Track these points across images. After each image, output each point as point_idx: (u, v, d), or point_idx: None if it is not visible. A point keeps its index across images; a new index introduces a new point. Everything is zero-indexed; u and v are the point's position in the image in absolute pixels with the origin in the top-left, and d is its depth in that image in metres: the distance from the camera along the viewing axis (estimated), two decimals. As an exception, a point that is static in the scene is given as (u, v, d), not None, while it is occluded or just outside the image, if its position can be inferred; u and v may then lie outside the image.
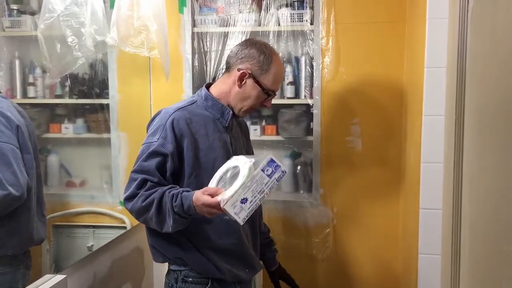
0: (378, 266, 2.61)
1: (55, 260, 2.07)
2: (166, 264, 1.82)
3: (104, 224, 2.40)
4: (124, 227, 2.44)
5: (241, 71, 1.72)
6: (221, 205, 1.46)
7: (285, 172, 1.53)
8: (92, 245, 2.26)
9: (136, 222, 2.44)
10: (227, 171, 1.57)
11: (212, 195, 1.49)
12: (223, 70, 1.88)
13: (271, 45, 1.83)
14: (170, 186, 1.63)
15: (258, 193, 1.49)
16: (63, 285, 1.66)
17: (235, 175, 1.54)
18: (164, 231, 1.63)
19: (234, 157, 1.58)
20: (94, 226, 2.33)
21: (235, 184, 1.49)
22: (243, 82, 1.73)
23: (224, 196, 1.47)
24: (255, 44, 1.77)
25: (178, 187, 1.64)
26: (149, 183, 1.62)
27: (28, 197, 1.62)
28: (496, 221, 1.35)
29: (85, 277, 2.06)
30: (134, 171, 1.65)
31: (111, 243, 2.28)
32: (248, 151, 1.96)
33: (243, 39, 2.54)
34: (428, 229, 2.02)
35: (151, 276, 2.70)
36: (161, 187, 1.62)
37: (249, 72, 1.72)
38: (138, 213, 1.64)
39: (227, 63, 1.80)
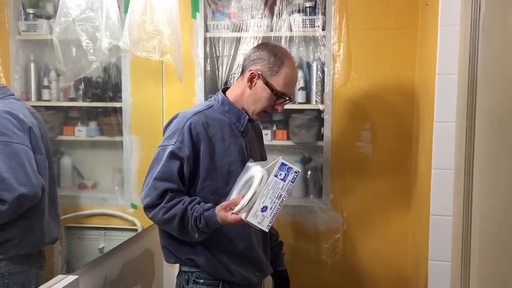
0: (388, 272, 2.60)
1: (66, 261, 2.09)
2: (177, 266, 1.83)
3: (115, 226, 2.42)
4: (135, 229, 2.46)
5: (251, 72, 1.73)
6: (244, 219, 1.52)
7: (298, 171, 1.56)
8: (103, 247, 2.28)
9: (147, 224, 2.47)
10: (246, 182, 1.60)
11: (230, 207, 1.56)
12: (238, 74, 1.89)
13: (286, 49, 1.83)
14: (190, 200, 1.65)
15: (276, 199, 1.53)
16: (75, 285, 1.67)
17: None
18: (187, 240, 1.69)
19: (251, 166, 1.60)
20: (105, 228, 2.35)
21: (248, 193, 1.53)
22: (253, 84, 1.74)
23: (238, 207, 1.53)
24: (267, 46, 1.77)
25: (197, 200, 1.66)
26: (169, 194, 1.64)
27: (41, 197, 1.65)
28: (506, 228, 1.35)
29: (96, 278, 2.07)
30: (155, 178, 1.65)
31: (122, 245, 2.30)
32: (263, 156, 1.98)
33: (255, 44, 2.56)
34: (439, 236, 2.01)
35: (161, 278, 2.72)
36: (181, 198, 1.65)
37: (259, 73, 1.72)
38: (159, 224, 1.70)
39: (242, 66, 1.82)
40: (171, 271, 2.61)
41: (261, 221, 1.52)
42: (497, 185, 1.45)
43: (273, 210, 1.53)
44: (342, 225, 2.63)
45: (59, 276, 1.69)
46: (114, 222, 2.43)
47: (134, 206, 2.48)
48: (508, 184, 1.35)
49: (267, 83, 1.72)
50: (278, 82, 1.72)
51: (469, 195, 1.69)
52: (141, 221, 2.46)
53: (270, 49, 1.75)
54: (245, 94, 1.76)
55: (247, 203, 1.52)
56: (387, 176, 2.55)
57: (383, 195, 2.57)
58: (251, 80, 1.74)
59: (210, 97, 1.88)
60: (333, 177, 2.61)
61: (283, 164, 1.55)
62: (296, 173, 1.55)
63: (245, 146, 1.78)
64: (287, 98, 1.78)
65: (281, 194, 1.54)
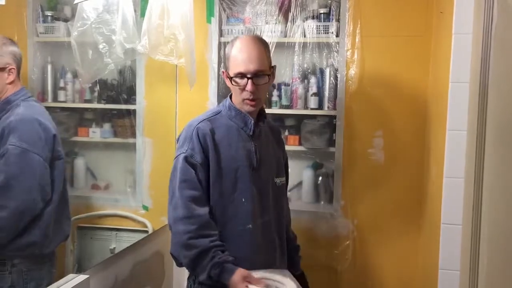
0: (398, 280, 2.58)
1: (78, 260, 2.12)
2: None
3: (126, 228, 2.45)
4: (146, 231, 2.48)
5: (222, 72, 1.82)
6: None
7: None
8: (114, 248, 2.31)
9: (157, 226, 2.49)
10: (274, 281, 1.64)
11: (249, 281, 1.59)
12: None
13: (246, 35, 1.87)
14: (218, 243, 1.65)
15: None
16: (86, 285, 1.69)
17: None
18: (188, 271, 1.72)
19: (291, 279, 1.65)
20: (116, 229, 2.38)
21: None
22: (228, 81, 1.77)
23: None
24: (229, 42, 1.80)
25: (224, 247, 1.66)
26: (205, 219, 1.65)
27: (52, 200, 1.67)
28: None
29: (107, 278, 2.09)
30: (180, 188, 1.67)
31: (132, 246, 2.32)
32: (279, 159, 1.95)
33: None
34: (449, 244, 2.00)
35: (171, 279, 2.73)
36: (211, 234, 1.66)
37: (224, 70, 1.79)
38: (178, 244, 1.69)
39: None
40: (181, 273, 2.62)
41: None
42: (506, 194, 1.44)
43: None
44: (353, 232, 2.62)
45: (70, 275, 1.71)
46: (125, 223, 2.46)
47: (145, 208, 2.50)
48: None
49: (228, 75, 1.76)
50: (231, 67, 1.75)
51: (478, 203, 1.69)
52: (152, 223, 2.48)
53: (229, 43, 1.79)
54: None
55: None
56: (399, 184, 2.54)
57: (394, 203, 2.55)
58: (225, 79, 1.79)
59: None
60: (344, 184, 2.61)
61: None
62: None
63: (254, 150, 1.78)
64: (248, 76, 1.70)
65: None
